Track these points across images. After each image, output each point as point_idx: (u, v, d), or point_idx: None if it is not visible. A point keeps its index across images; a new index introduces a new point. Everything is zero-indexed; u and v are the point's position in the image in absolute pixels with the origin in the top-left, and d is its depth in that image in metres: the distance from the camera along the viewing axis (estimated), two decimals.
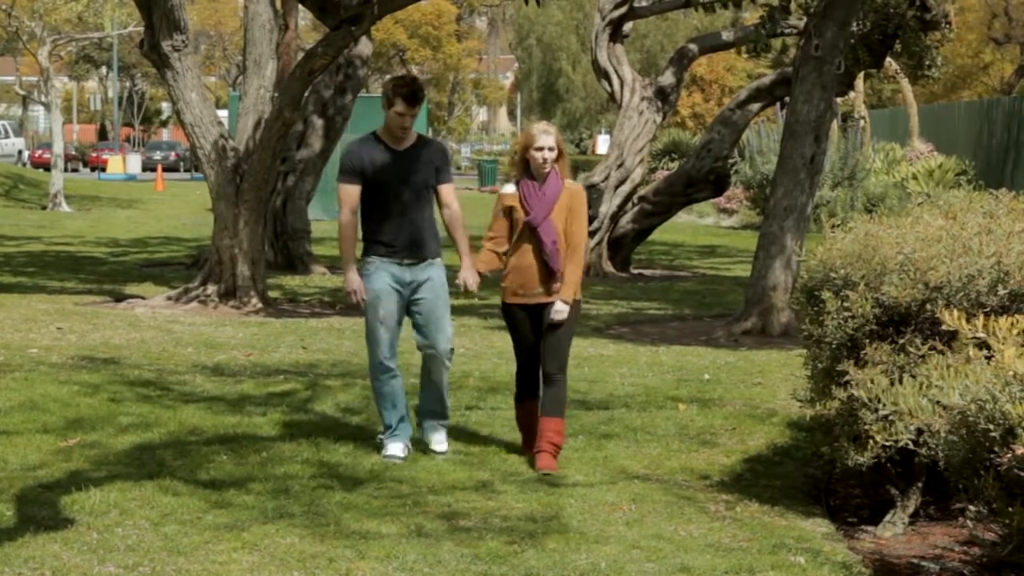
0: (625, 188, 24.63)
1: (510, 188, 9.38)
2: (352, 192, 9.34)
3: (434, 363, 9.41)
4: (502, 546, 7.37)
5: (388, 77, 9.35)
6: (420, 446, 9.52)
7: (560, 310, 9.10)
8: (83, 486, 8.27)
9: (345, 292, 9.46)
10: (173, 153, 79.71)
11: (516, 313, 9.29)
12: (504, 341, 10.49)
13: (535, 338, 9.25)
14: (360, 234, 9.50)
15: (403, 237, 9.29)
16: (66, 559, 6.94)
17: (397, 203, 9.29)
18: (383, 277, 9.27)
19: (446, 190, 9.48)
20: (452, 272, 9.28)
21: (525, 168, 9.29)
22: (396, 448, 9.33)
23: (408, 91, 9.24)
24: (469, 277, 9.31)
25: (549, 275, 9.14)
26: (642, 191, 25.52)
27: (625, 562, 7.11)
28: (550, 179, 9.20)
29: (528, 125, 9.80)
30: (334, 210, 36.78)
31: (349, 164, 9.34)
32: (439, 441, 9.54)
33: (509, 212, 9.25)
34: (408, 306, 9.36)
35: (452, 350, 9.52)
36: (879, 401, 7.21)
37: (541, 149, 9.18)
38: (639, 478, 8.94)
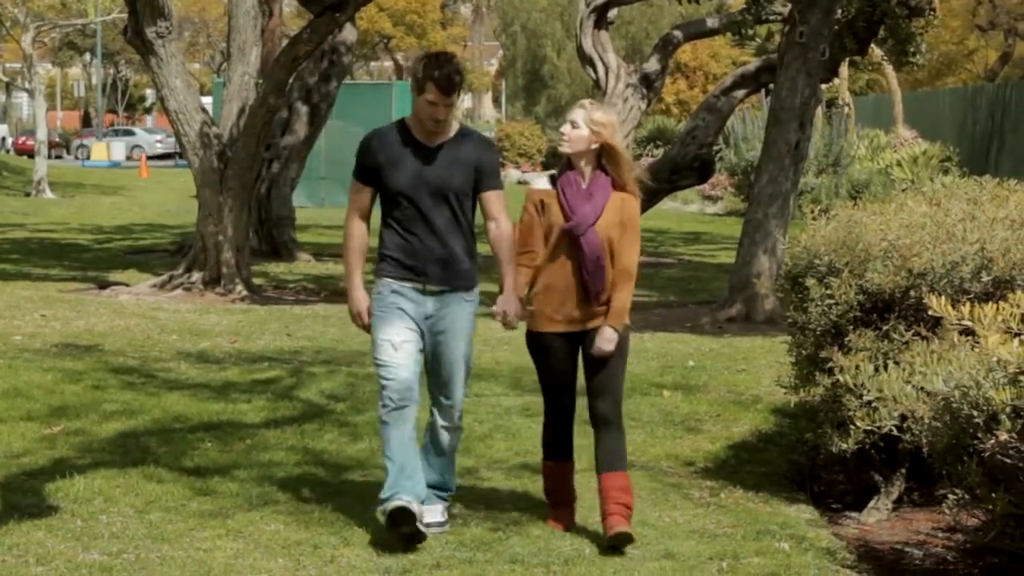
0: None
1: (542, 182, 7.50)
2: (362, 195, 7.42)
3: (443, 427, 7.55)
4: (486, 532, 7.38)
5: (421, 54, 7.60)
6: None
7: (609, 338, 7.30)
8: (67, 473, 8.27)
9: (351, 314, 7.51)
10: (157, 140, 79.50)
11: (550, 342, 7.38)
12: (491, 329, 10.37)
13: (572, 374, 7.46)
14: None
15: (429, 257, 7.27)
16: (50, 546, 6.93)
17: (424, 214, 7.26)
18: (400, 302, 7.30)
19: (492, 200, 7.39)
20: (487, 298, 7.64)
21: (568, 160, 7.44)
22: (402, 503, 7.16)
23: (443, 76, 7.16)
24: (511, 306, 7.27)
25: (589, 299, 7.31)
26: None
27: (609, 550, 7.11)
28: (598, 179, 7.36)
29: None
30: (319, 197, 36.56)
31: (362, 159, 7.39)
32: (435, 512, 7.51)
33: (542, 216, 7.37)
34: (424, 344, 7.40)
35: (461, 414, 7.61)
36: (863, 387, 7.23)
37: (566, 123, 7.41)
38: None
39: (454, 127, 7.36)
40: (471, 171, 7.30)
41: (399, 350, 7.23)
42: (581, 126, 7.29)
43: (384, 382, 7.25)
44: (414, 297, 7.30)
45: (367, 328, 7.39)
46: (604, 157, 7.35)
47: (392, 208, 7.36)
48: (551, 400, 7.58)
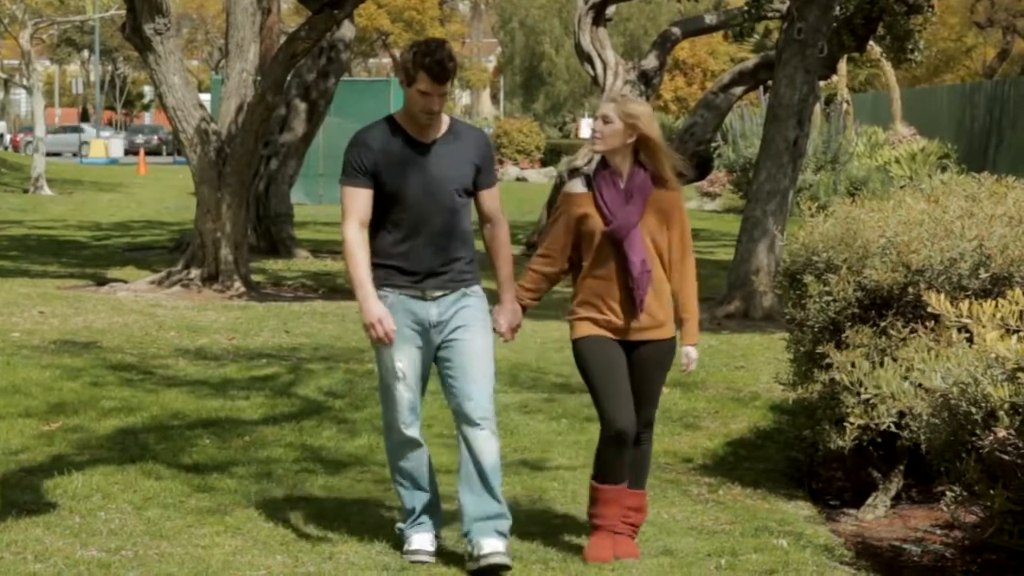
0: None
1: (578, 185, 6.92)
2: (359, 198, 6.73)
3: (474, 435, 6.70)
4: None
5: (409, 43, 6.91)
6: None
7: (695, 358, 7.01)
8: (65, 470, 8.26)
9: (365, 327, 6.74)
10: (156, 137, 79.48)
11: (593, 345, 6.81)
12: None
13: (626, 377, 6.84)
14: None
15: (427, 260, 6.73)
16: (48, 543, 6.93)
17: (419, 214, 6.72)
18: (399, 318, 6.71)
19: (488, 198, 6.88)
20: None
21: (603, 158, 6.92)
22: (421, 541, 6.87)
23: (435, 63, 6.59)
24: (506, 318, 6.89)
25: (634, 305, 6.77)
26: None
27: None
28: (637, 176, 6.81)
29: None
30: (317, 194, 36.52)
31: (355, 159, 6.75)
32: (496, 549, 6.61)
33: (580, 222, 6.85)
34: (436, 352, 6.84)
35: (495, 420, 6.81)
36: (861, 385, 7.23)
37: (596, 119, 6.93)
38: None
39: (444, 121, 6.83)
40: (470, 167, 6.78)
41: (403, 375, 6.76)
42: (614, 120, 6.76)
43: (389, 407, 6.84)
44: (416, 307, 6.74)
45: (389, 337, 6.67)
46: (642, 151, 6.82)
47: (386, 210, 6.75)
48: (609, 410, 6.77)
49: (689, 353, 6.96)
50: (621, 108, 6.78)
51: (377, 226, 6.79)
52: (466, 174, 6.79)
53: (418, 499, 6.91)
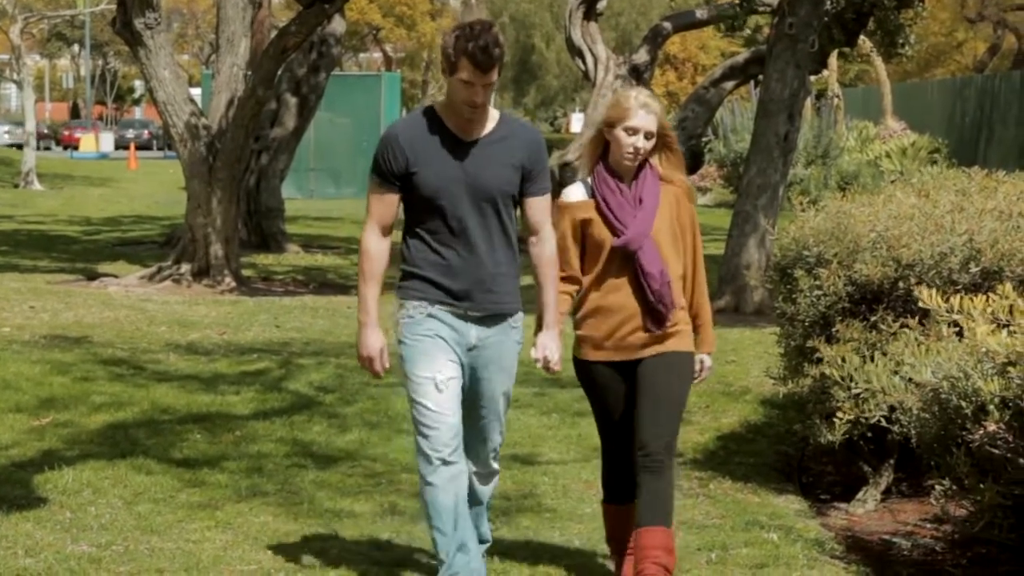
0: None
1: (577, 192, 6.26)
2: (382, 203, 5.98)
3: (473, 473, 6.22)
4: None
5: (453, 26, 6.08)
6: None
7: (711, 366, 6.46)
8: (56, 465, 8.26)
9: (360, 357, 6.06)
10: (146, 131, 79.39)
11: (602, 374, 6.26)
12: None
13: (629, 408, 6.25)
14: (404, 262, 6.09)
15: (469, 276, 5.93)
16: (39, 538, 6.92)
17: (461, 223, 5.91)
18: (437, 327, 5.95)
19: (538, 207, 6.04)
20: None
21: (603, 156, 6.26)
22: None
23: (478, 48, 5.75)
24: (552, 349, 6.10)
25: (654, 319, 6.14)
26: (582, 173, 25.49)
27: (598, 540, 7.11)
28: (645, 176, 6.19)
29: (620, 91, 5.79)
30: (308, 189, 36.52)
31: (381, 157, 5.96)
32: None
33: (584, 229, 6.21)
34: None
35: (497, 455, 6.31)
36: (851, 379, 7.24)
37: (635, 133, 6.11)
38: None
39: (494, 115, 6.01)
40: (517, 171, 5.94)
41: (444, 390, 5.89)
42: (654, 132, 6.15)
43: (427, 432, 5.88)
44: (455, 324, 5.95)
45: (379, 375, 6.08)
46: (657, 148, 6.24)
47: (421, 217, 5.94)
48: (609, 436, 6.41)
49: (704, 361, 6.38)
50: (661, 121, 6.17)
51: (411, 231, 6.00)
52: (509, 179, 5.93)
53: (455, 541, 5.98)
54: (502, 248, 5.97)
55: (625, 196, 6.15)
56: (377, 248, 5.99)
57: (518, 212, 6.09)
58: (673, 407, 6.18)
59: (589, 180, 6.23)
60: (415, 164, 5.87)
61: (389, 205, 5.97)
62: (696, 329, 6.35)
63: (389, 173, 5.91)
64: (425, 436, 5.88)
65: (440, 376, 5.90)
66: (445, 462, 5.88)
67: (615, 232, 6.12)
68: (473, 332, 5.98)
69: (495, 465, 6.31)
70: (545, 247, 6.07)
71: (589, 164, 6.27)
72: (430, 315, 5.93)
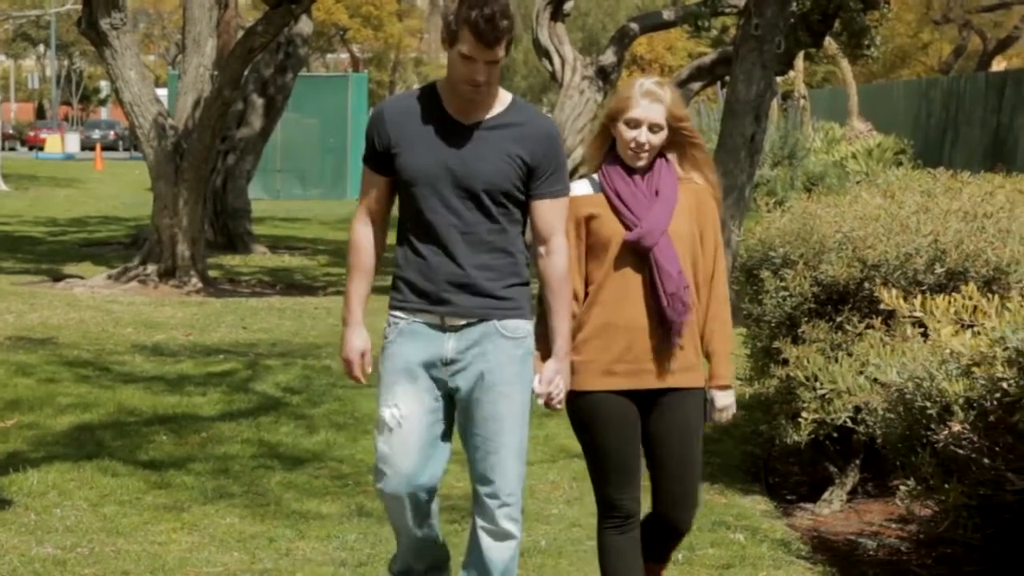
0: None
1: (582, 187, 5.41)
2: (372, 188, 5.27)
3: (487, 525, 5.21)
4: (443, 525, 7.34)
5: None
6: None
7: (727, 405, 5.49)
8: (21, 467, 8.22)
9: (341, 360, 5.34)
10: (112, 132, 79.11)
11: (608, 406, 5.26)
12: None
13: (636, 452, 5.37)
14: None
15: (447, 276, 5.11)
16: (3, 540, 6.89)
17: (445, 216, 5.11)
18: (408, 350, 5.16)
19: (546, 211, 5.17)
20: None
21: (609, 150, 5.42)
22: None
23: (482, 17, 4.92)
24: (558, 384, 5.18)
25: (667, 338, 5.23)
26: (583, 170, 25.52)
27: (565, 541, 7.13)
28: (661, 168, 5.34)
29: (626, 81, 4.74)
30: (275, 189, 36.38)
31: (368, 135, 5.24)
32: None
33: (589, 226, 5.31)
34: (450, 402, 5.23)
35: (518, 509, 5.24)
36: (817, 380, 7.26)
37: (638, 125, 5.29)
38: (580, 457, 8.87)
39: (504, 99, 5.17)
40: (518, 166, 5.09)
41: (396, 429, 5.13)
42: (664, 127, 5.31)
43: (377, 467, 5.21)
44: (429, 338, 5.13)
45: (359, 380, 5.30)
46: (676, 146, 5.41)
47: (407, 208, 5.19)
48: (612, 484, 5.38)
49: (718, 399, 5.44)
50: (670, 110, 5.30)
51: (401, 227, 5.25)
52: (504, 172, 5.08)
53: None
54: (493, 251, 5.11)
55: (639, 187, 5.28)
56: (364, 237, 5.25)
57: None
58: (694, 468, 5.37)
59: (596, 177, 5.41)
60: (398, 144, 5.12)
61: (378, 189, 5.23)
62: (708, 355, 5.42)
63: (374, 152, 5.19)
64: (376, 472, 5.22)
65: (394, 412, 5.13)
66: (402, 512, 5.22)
67: (627, 225, 5.22)
68: (451, 343, 5.12)
69: (507, 525, 5.16)
70: (555, 260, 5.16)
71: (594, 161, 5.45)
72: (401, 334, 5.16)
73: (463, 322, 5.11)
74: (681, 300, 5.19)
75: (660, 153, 5.34)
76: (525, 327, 5.19)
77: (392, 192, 5.25)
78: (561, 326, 5.16)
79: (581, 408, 5.29)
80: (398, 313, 5.18)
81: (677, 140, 5.35)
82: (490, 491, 5.15)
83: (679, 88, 25.12)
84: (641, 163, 5.28)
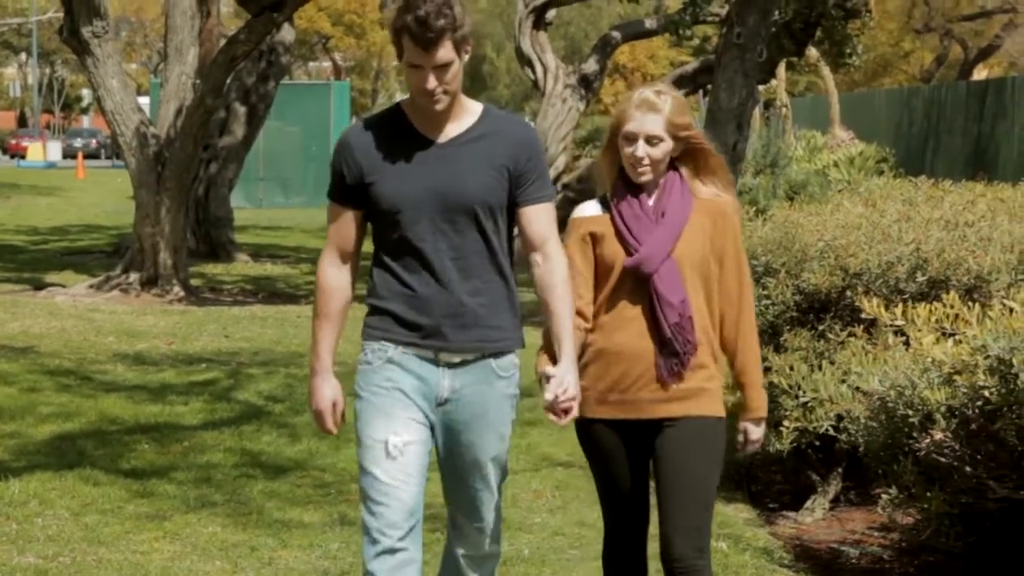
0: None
1: (591, 207, 5.09)
2: (342, 223, 4.86)
3: (462, 556, 5.13)
4: (425, 534, 7.31)
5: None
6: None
7: (760, 438, 5.36)
8: (2, 476, 8.20)
9: (310, 411, 4.93)
10: (94, 140, 79.01)
11: (606, 437, 5.03)
12: None
13: (642, 482, 5.11)
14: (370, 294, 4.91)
15: (438, 309, 4.75)
16: None
17: (425, 241, 4.74)
18: (400, 376, 4.79)
19: (532, 218, 4.85)
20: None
21: (621, 169, 5.04)
22: None
23: (415, 20, 4.55)
24: (570, 383, 4.70)
25: (670, 365, 4.93)
26: (566, 179, 25.59)
27: (548, 550, 7.13)
28: (672, 186, 5.00)
29: (630, 93, 5.00)
30: (257, 198, 36.34)
31: (334, 167, 4.84)
32: None
33: (595, 246, 5.00)
34: (436, 440, 4.90)
35: (496, 537, 5.11)
36: (799, 388, 7.27)
37: (634, 139, 4.94)
38: (563, 465, 8.95)
39: (474, 110, 4.83)
40: (502, 175, 4.77)
41: (397, 457, 4.74)
42: (665, 137, 4.93)
43: (374, 507, 4.76)
44: (422, 372, 4.79)
45: (331, 432, 4.91)
46: (687, 156, 5.06)
47: (385, 238, 4.80)
48: (615, 513, 5.16)
49: (752, 432, 5.29)
50: (669, 119, 4.93)
51: (377, 257, 4.85)
52: (490, 185, 4.75)
53: None
54: (485, 275, 4.78)
55: (644, 207, 4.95)
56: (332, 280, 4.87)
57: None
58: (700, 494, 4.98)
59: (608, 195, 5.06)
60: (371, 173, 4.72)
61: (348, 225, 4.82)
62: (741, 387, 5.24)
63: (343, 186, 4.78)
64: (371, 512, 4.74)
65: (394, 439, 4.73)
66: (391, 550, 4.73)
67: (628, 250, 4.92)
68: (446, 381, 4.79)
69: (490, 547, 5.06)
70: (551, 266, 4.80)
71: (605, 179, 5.08)
72: (390, 361, 4.77)
73: (458, 359, 4.78)
74: (686, 332, 4.89)
75: (673, 166, 5.02)
76: (514, 360, 4.89)
77: (363, 226, 4.86)
78: (563, 331, 4.76)
79: (580, 434, 5.10)
80: (382, 343, 4.79)
81: (687, 149, 5.02)
82: (477, 525, 4.99)
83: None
84: (645, 178, 4.94)
